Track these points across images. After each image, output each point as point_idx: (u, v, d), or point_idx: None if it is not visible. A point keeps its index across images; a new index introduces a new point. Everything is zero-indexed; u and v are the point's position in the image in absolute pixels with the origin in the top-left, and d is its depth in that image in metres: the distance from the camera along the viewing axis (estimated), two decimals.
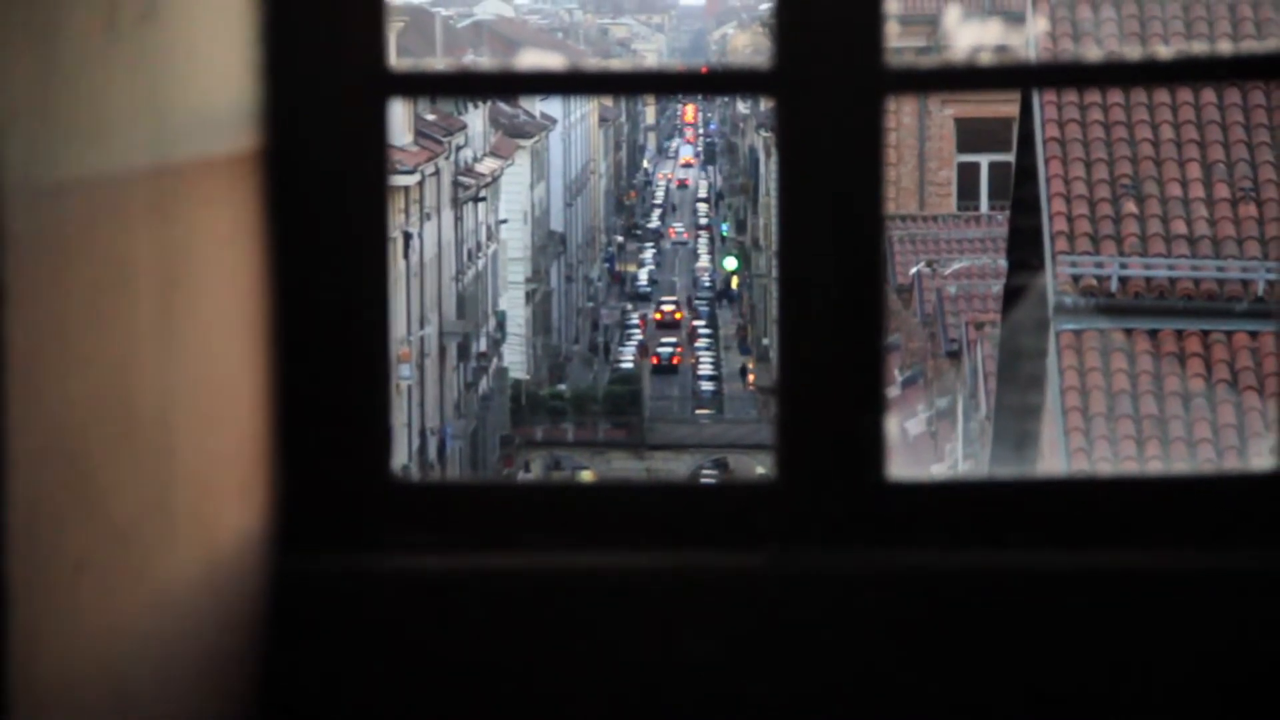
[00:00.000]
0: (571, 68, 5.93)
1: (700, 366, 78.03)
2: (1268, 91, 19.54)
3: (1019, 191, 21.42)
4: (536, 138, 67.11)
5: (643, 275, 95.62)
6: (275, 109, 3.07)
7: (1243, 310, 18.97)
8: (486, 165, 57.93)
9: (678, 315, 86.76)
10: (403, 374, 44.43)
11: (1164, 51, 14.58)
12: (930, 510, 3.16)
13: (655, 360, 79.32)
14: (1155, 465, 17.88)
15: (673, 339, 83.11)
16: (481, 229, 58.33)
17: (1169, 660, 3.10)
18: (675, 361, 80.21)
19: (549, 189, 72.97)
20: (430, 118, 50.35)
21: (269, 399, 3.08)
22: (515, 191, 63.94)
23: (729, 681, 3.10)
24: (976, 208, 39.72)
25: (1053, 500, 3.20)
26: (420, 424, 48.16)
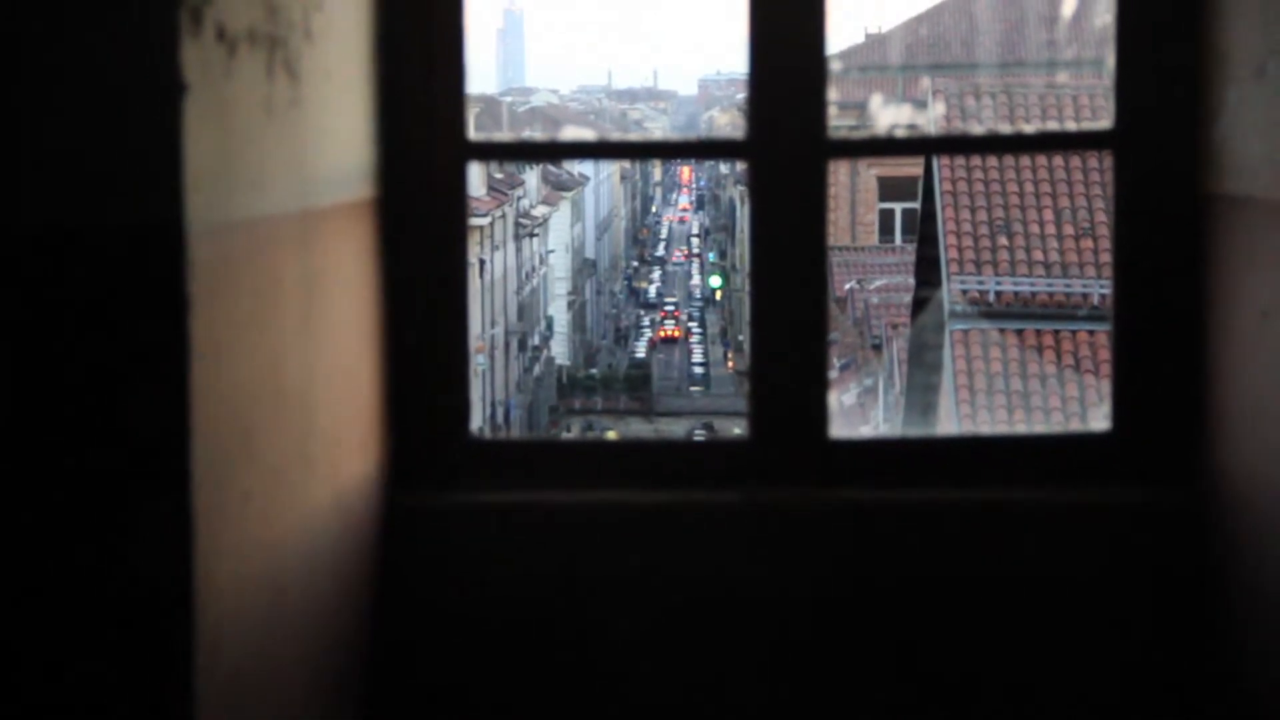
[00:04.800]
0: (600, 139, 5.91)
1: (693, 356, 77.97)
2: (1100, 158, 19.50)
3: (923, 230, 21.39)
4: (575, 190, 66.97)
5: (651, 290, 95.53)
6: (387, 168, 3.06)
7: (1083, 315, 18.99)
8: (539, 210, 57.81)
9: (676, 313, 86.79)
10: (478, 362, 44.35)
11: (1028, 128, 14.54)
12: (862, 460, 3.15)
13: (663, 334, 79.51)
14: (1021, 427, 17.87)
15: (672, 322, 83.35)
16: (535, 257, 58.28)
17: (1036, 567, 3.10)
18: (676, 334, 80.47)
19: (585, 227, 72.85)
20: (499, 175, 50.29)
21: (382, 379, 3.08)
22: (560, 230, 63.81)
23: (710, 586, 3.10)
24: (893, 241, 39.62)
25: (949, 452, 3.19)
26: (491, 398, 48.13)
